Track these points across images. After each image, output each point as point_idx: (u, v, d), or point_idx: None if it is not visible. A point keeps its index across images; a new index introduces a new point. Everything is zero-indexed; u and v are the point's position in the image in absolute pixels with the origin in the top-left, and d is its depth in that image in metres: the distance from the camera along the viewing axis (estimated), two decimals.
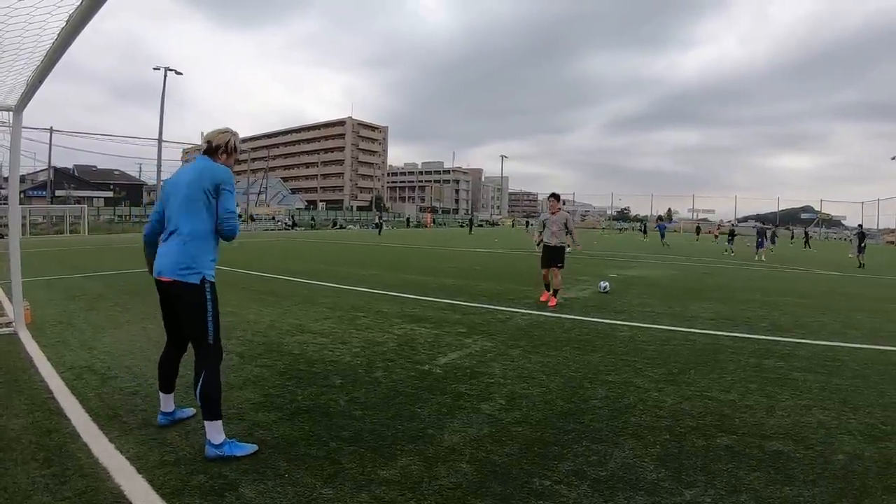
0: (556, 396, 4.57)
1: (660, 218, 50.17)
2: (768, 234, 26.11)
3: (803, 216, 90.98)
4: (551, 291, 9.69)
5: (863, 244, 22.69)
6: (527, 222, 78.29)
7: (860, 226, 27.01)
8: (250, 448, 3.38)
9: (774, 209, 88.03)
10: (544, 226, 10.09)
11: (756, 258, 23.66)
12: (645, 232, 51.68)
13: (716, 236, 41.61)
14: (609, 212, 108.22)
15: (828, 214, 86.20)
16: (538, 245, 10.26)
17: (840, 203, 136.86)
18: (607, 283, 11.36)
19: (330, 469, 3.17)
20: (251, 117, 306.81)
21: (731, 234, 30.52)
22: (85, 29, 3.97)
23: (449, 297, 10.01)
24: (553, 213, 9.98)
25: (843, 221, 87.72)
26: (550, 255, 9.80)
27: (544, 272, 9.90)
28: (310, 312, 8.32)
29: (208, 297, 3.39)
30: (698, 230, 37.18)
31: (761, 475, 3.16)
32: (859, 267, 21.37)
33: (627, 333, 7.15)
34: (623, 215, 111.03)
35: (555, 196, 10.16)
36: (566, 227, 9.96)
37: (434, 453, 3.42)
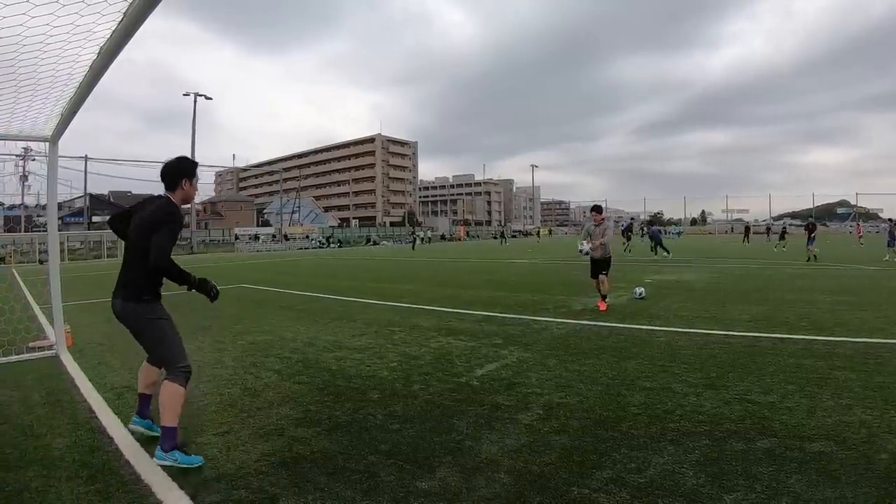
0: (594, 404, 4.57)
1: (632, 219, 49.18)
2: None
3: (839, 211, 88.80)
4: (600, 297, 10.06)
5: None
6: (538, 231, 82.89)
7: (891, 220, 26.05)
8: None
9: (809, 205, 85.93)
10: (589, 235, 10.20)
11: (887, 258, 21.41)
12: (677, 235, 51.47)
13: (860, 235, 39.80)
14: (642, 216, 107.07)
15: (864, 208, 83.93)
16: (586, 255, 10.27)
17: (876, 196, 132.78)
18: (643, 289, 11.25)
19: (368, 482, 3.23)
20: (281, 138, 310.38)
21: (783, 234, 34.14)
22: (116, 59, 4.10)
23: (484, 310, 10.04)
24: (597, 225, 10.12)
25: (881, 214, 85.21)
26: (598, 266, 10.13)
27: (595, 282, 10.25)
28: (346, 329, 8.42)
29: None
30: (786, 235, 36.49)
31: (803, 477, 3.12)
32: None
33: (664, 339, 7.09)
34: (656, 220, 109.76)
35: (596, 209, 10.40)
36: (605, 236, 10.11)
37: (472, 464, 3.45)
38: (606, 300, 10.00)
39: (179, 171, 3.74)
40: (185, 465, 3.44)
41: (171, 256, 3.53)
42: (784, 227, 38.96)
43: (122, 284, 3.70)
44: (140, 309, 3.64)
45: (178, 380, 3.58)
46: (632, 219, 35.10)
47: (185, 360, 3.68)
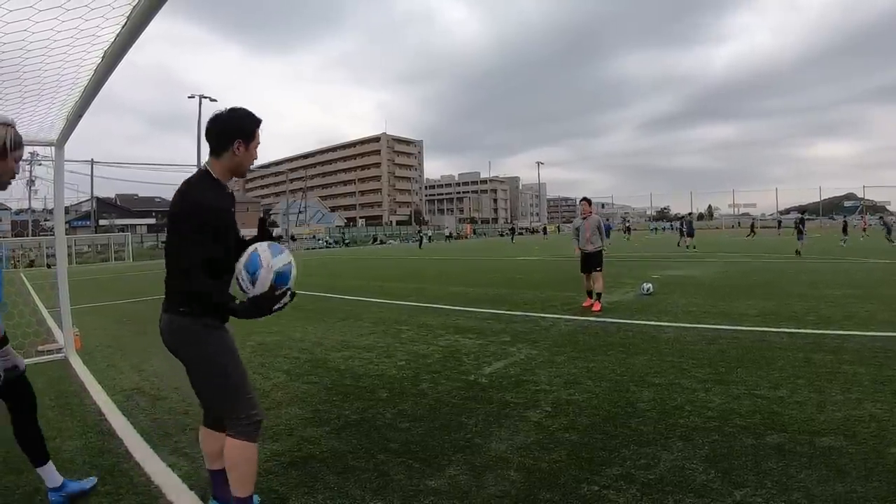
0: (603, 401, 4.56)
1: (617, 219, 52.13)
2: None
3: (846, 204, 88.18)
4: (594, 296, 9.61)
5: None
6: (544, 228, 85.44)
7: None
8: None
9: (817, 199, 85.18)
10: (578, 231, 10.04)
11: None
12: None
13: (864, 228, 40.06)
14: (649, 212, 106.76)
15: (871, 201, 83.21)
16: (577, 252, 10.20)
17: (884, 188, 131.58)
18: (650, 285, 11.20)
19: (378, 481, 3.23)
20: (287, 139, 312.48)
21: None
22: (121, 62, 4.10)
23: (492, 307, 10.03)
24: (585, 218, 9.94)
25: (888, 207, 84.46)
26: (589, 260, 9.79)
27: (584, 276, 9.90)
28: (354, 328, 8.43)
29: None
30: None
31: (812, 472, 3.11)
32: None
33: (672, 334, 7.06)
34: (663, 215, 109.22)
35: (586, 200, 10.17)
36: (599, 230, 9.87)
37: (482, 462, 3.45)
38: (601, 299, 9.55)
39: (231, 130, 2.63)
40: None
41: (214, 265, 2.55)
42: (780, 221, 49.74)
43: (165, 293, 2.64)
44: (182, 326, 2.56)
45: (247, 435, 2.59)
46: (689, 213, 35.38)
47: (255, 409, 2.64)
